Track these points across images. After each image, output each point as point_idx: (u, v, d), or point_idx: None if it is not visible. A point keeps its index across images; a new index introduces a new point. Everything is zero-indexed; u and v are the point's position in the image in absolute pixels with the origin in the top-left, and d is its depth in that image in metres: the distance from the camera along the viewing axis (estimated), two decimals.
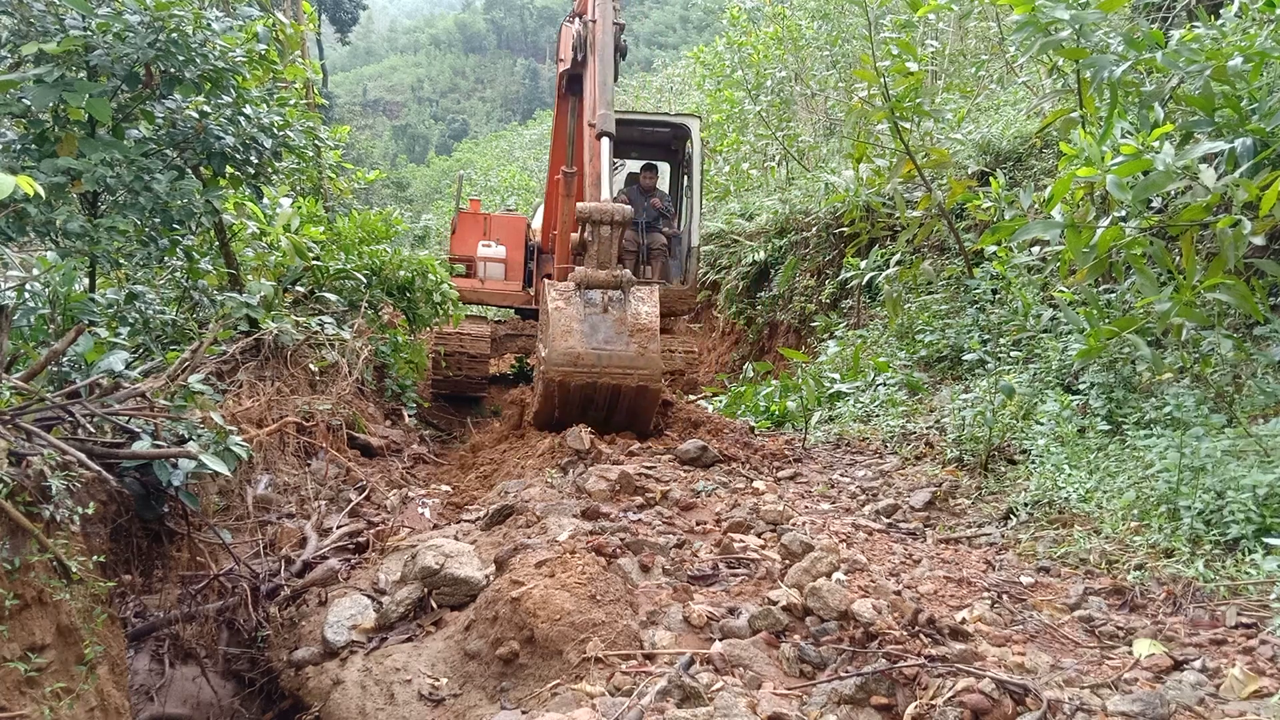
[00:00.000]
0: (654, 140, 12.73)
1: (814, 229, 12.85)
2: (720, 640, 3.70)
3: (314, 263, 8.39)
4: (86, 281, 5.60)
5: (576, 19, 9.27)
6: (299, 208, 8.56)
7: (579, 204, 6.89)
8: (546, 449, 6.76)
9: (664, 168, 13.46)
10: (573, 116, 10.61)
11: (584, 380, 6.55)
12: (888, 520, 5.44)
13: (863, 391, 8.29)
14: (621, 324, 6.58)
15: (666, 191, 12.71)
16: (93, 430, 3.92)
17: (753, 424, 8.06)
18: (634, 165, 13.73)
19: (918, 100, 8.09)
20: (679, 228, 12.02)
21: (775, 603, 3.88)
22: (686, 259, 11.58)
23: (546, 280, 7.19)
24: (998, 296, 7.83)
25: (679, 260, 11.75)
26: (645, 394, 6.68)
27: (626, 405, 6.85)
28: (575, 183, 10.96)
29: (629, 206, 6.93)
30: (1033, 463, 5.66)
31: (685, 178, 12.07)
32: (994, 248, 7.27)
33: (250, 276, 7.43)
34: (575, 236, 6.98)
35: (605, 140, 7.28)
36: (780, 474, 6.51)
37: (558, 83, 10.62)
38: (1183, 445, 4.66)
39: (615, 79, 8.62)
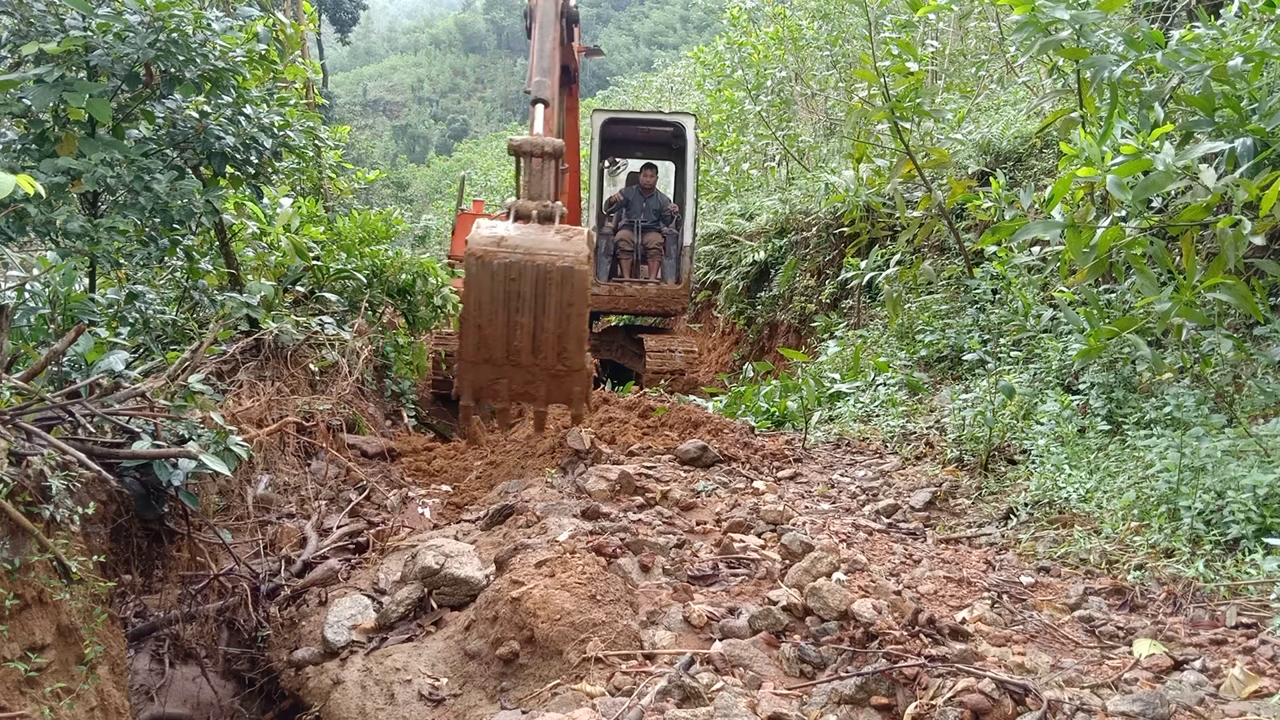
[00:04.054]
0: (655, 139, 12.74)
1: (814, 229, 12.84)
2: (720, 640, 3.70)
3: (314, 263, 8.39)
4: (86, 281, 5.60)
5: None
6: (299, 208, 8.57)
7: (510, 138, 6.84)
8: (546, 449, 6.77)
9: (668, 167, 13.48)
10: (560, 110, 10.62)
11: (506, 259, 6.05)
12: (888, 520, 5.44)
13: (863, 391, 8.29)
14: (548, 229, 6.28)
15: (666, 192, 12.73)
16: (93, 430, 3.92)
17: (753, 424, 8.05)
18: (635, 165, 13.78)
19: (918, 100, 8.09)
20: (676, 226, 12.04)
21: (775, 603, 3.88)
22: (680, 258, 11.58)
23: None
24: (998, 296, 7.83)
25: (674, 259, 11.76)
26: (573, 282, 6.13)
27: (554, 313, 6.21)
28: (565, 179, 10.96)
29: (560, 140, 6.79)
30: (1033, 463, 5.66)
31: (682, 177, 12.10)
32: (994, 248, 7.27)
33: (250, 276, 7.43)
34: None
35: (540, 106, 7.25)
36: (780, 474, 6.51)
37: None
38: (1183, 445, 4.65)
39: (571, 40, 8.26)
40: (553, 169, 6.64)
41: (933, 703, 3.00)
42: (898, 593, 3.96)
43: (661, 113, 13.50)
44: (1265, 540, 4.02)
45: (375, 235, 9.68)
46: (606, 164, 13.84)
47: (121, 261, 5.56)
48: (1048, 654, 3.56)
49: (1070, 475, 5.24)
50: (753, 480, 6.19)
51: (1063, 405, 5.83)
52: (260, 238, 7.71)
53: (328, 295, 8.41)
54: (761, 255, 13.80)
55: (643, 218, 12.14)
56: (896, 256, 9.15)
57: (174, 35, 5.20)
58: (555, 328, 6.23)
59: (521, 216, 6.29)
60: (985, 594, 4.19)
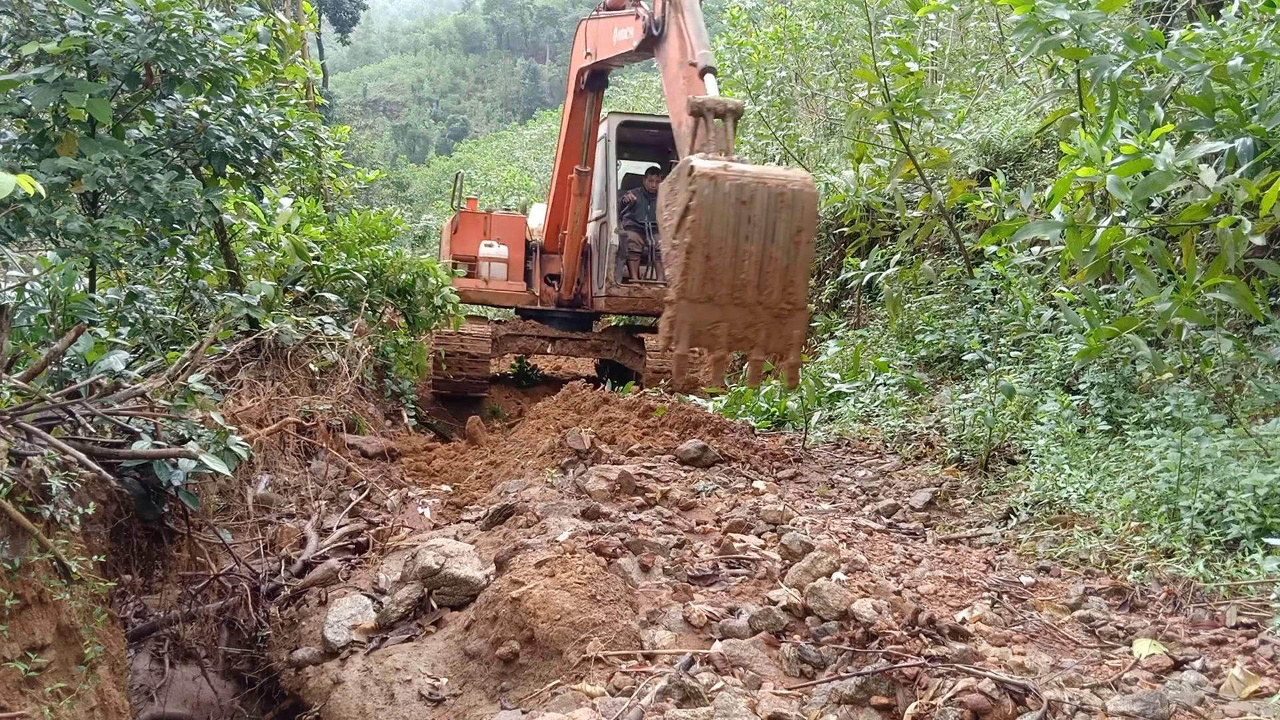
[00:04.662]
0: (658, 142, 12.75)
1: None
2: (720, 640, 3.70)
3: (314, 263, 8.40)
4: (86, 281, 5.60)
5: (607, 11, 9.27)
6: (299, 208, 8.57)
7: (692, 96, 6.59)
8: (546, 449, 6.77)
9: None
10: (589, 113, 10.56)
11: (738, 180, 5.68)
12: (888, 520, 5.44)
13: (863, 391, 8.29)
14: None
15: None
16: (93, 430, 3.92)
17: (753, 424, 8.06)
18: (630, 166, 13.79)
19: (918, 100, 8.08)
20: None
21: (775, 603, 3.88)
22: None
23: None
24: (998, 296, 7.83)
25: None
26: (804, 205, 5.79)
27: (783, 240, 5.86)
28: (589, 182, 10.94)
29: (740, 101, 6.70)
30: (1033, 463, 5.66)
31: None
32: (994, 248, 7.27)
33: (250, 276, 7.44)
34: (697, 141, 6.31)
35: (710, 75, 7.10)
36: (780, 474, 6.51)
37: (574, 80, 10.59)
38: (1183, 445, 4.65)
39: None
40: (733, 127, 6.56)
41: (933, 703, 3.00)
42: (898, 593, 3.96)
43: None
44: (1265, 540, 4.02)
45: (375, 235, 9.69)
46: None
47: (121, 261, 5.56)
48: (1048, 654, 3.55)
49: (1070, 475, 5.24)
50: (753, 480, 6.19)
51: (1063, 405, 5.83)
52: (260, 238, 7.71)
53: (328, 295, 8.41)
54: None
55: (650, 220, 12.19)
56: (896, 256, 9.15)
57: (174, 35, 5.20)
58: (784, 257, 5.97)
59: None
60: (985, 594, 4.19)
